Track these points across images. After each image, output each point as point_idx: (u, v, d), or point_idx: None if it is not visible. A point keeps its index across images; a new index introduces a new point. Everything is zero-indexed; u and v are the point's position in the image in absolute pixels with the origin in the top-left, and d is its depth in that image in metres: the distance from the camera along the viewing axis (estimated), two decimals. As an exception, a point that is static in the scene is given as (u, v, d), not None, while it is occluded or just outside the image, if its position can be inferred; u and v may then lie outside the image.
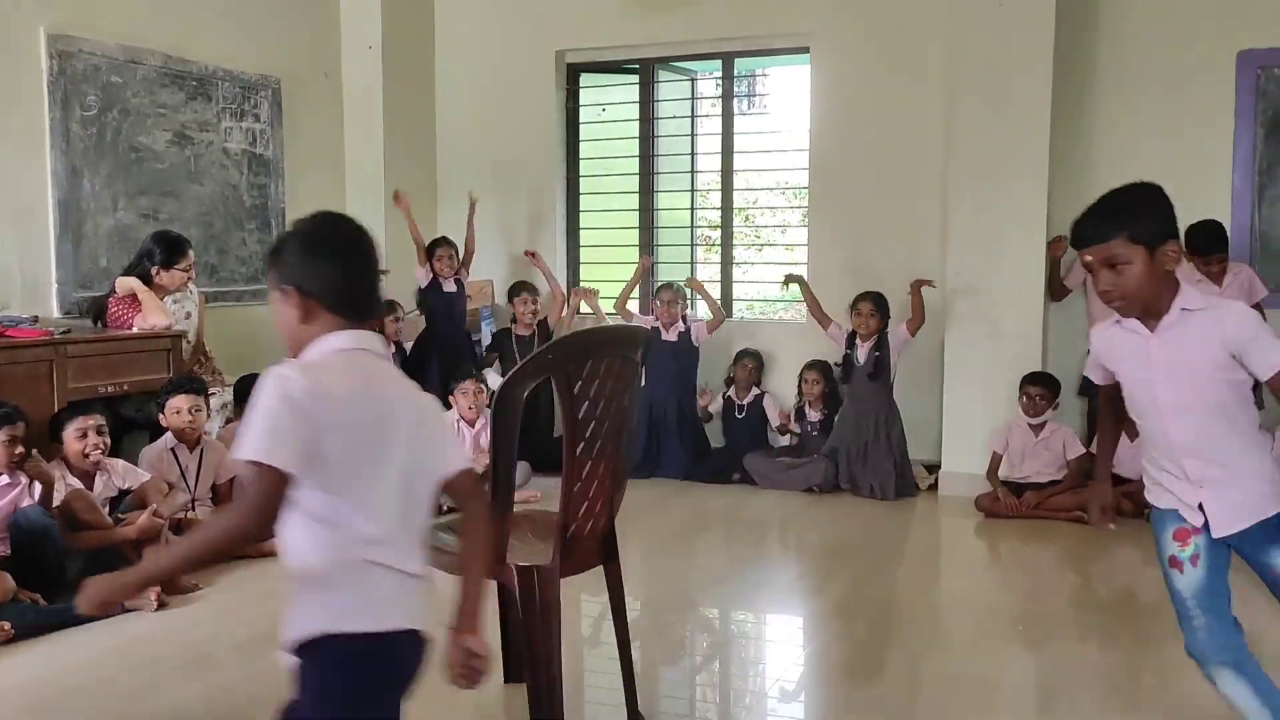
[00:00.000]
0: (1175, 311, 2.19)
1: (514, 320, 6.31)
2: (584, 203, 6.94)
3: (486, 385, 5.40)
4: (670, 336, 6.05)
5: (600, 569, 2.73)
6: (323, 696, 1.65)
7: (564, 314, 6.32)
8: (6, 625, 3.37)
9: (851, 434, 5.59)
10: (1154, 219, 2.20)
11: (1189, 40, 5.40)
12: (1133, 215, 2.19)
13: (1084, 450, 5.20)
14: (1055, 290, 5.58)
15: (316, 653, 1.64)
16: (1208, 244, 4.99)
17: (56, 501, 3.80)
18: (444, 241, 6.14)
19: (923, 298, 5.49)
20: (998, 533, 4.95)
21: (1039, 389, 5.16)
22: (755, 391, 6.11)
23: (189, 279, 4.84)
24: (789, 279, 5.88)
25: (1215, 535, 2.24)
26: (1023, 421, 5.20)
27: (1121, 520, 4.97)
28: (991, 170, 5.39)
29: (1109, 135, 5.56)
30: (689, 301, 6.34)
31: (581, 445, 2.49)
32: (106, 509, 4.05)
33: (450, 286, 6.12)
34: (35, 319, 4.44)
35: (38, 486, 3.79)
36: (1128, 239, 2.15)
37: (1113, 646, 3.51)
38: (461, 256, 6.20)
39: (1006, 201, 5.37)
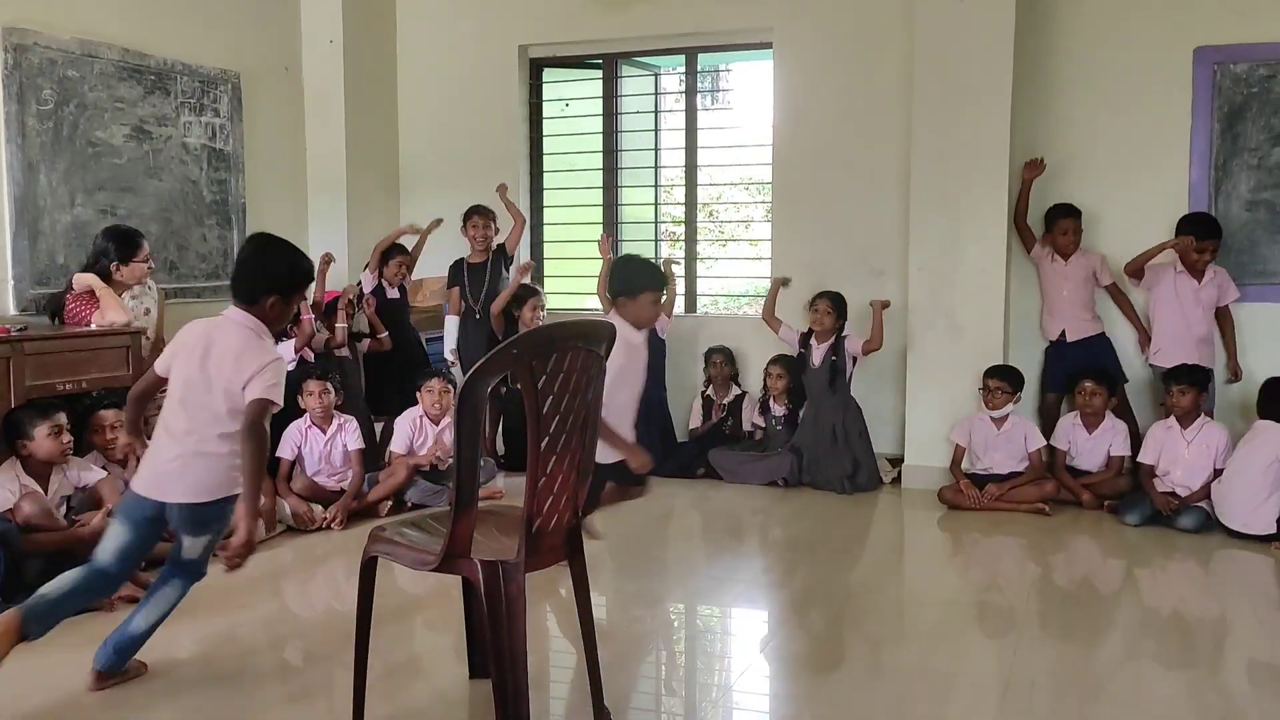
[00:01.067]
0: None
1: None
2: (548, 198, 6.93)
3: (454, 383, 5.37)
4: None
5: (565, 564, 2.74)
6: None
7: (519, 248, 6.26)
8: (-38, 628, 3.31)
9: (812, 432, 5.64)
10: None
11: (1147, 36, 5.50)
12: None
13: (1044, 442, 5.29)
14: (1019, 219, 5.62)
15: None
16: (1207, 228, 5.20)
17: (9, 505, 3.74)
18: (399, 249, 6.06)
19: (882, 320, 5.56)
20: (960, 525, 5.01)
21: (999, 381, 5.23)
22: (736, 391, 6.13)
23: (148, 272, 4.78)
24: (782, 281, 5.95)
25: None
26: (984, 414, 5.27)
27: (1080, 512, 5.11)
28: (952, 164, 5.45)
29: (1068, 129, 5.65)
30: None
31: (546, 440, 2.49)
32: (63, 508, 4.01)
33: (395, 293, 6.04)
34: (-10, 316, 4.37)
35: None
36: None
37: (1072, 638, 3.57)
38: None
39: (967, 195, 5.44)
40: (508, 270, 6.17)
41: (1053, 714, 2.94)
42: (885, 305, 5.58)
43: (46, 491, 3.92)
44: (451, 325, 6.21)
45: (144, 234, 4.83)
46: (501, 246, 6.16)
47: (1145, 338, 5.48)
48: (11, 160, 4.73)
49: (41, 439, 3.89)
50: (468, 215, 6.13)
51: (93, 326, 4.50)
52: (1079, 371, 5.32)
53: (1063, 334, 5.53)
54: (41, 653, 3.04)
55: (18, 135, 4.75)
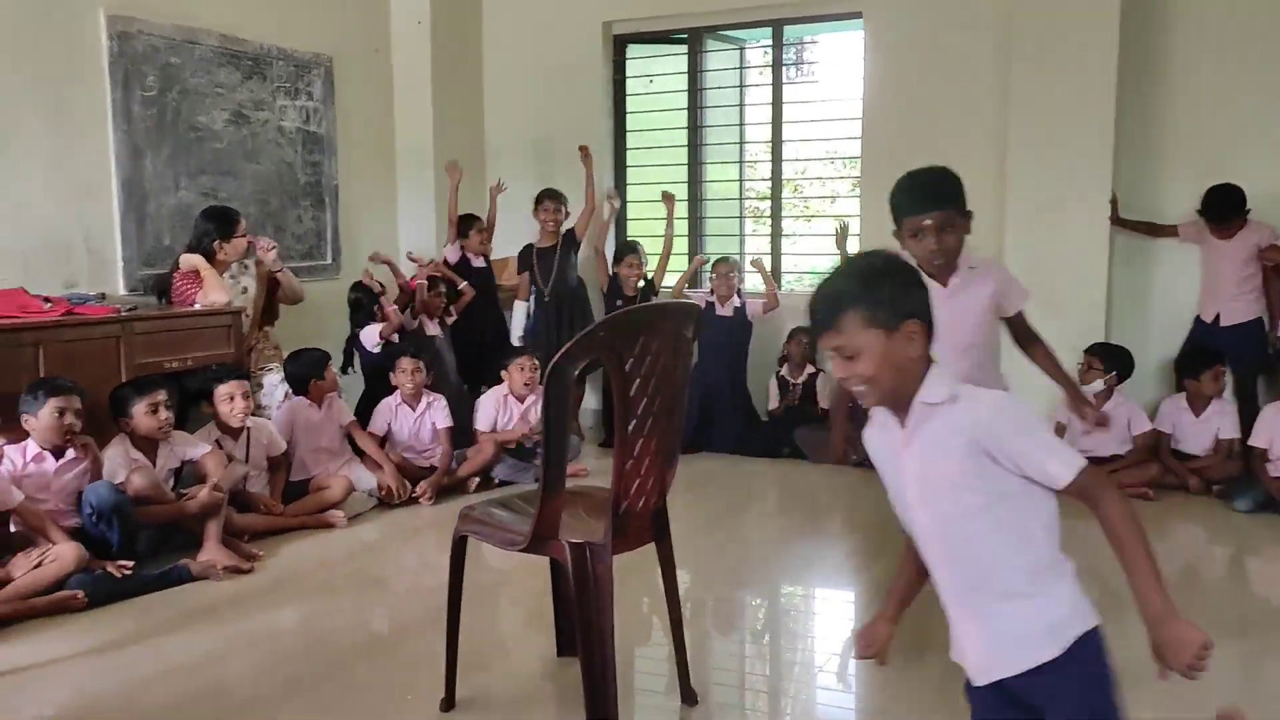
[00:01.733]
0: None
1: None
2: (631, 175, 6.92)
3: (540, 363, 5.43)
4: (725, 311, 6.04)
5: (652, 546, 2.75)
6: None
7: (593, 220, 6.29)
8: (80, 594, 3.49)
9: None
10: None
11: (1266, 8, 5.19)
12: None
13: (1150, 426, 5.12)
14: (1152, 231, 5.43)
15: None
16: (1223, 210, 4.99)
17: (121, 478, 3.92)
18: (476, 219, 6.12)
19: None
20: (1059, 507, 4.87)
21: (1090, 357, 5.08)
22: (810, 370, 6.08)
23: (248, 247, 4.92)
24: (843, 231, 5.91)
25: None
26: (1088, 393, 5.11)
27: (1187, 497, 4.93)
28: (1053, 136, 5.27)
29: (1181, 96, 5.37)
30: (742, 275, 6.31)
31: (633, 422, 2.50)
32: (170, 482, 4.18)
33: (480, 263, 6.11)
34: (102, 296, 4.56)
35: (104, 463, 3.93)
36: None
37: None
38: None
39: (1069, 167, 5.26)
40: (577, 254, 6.20)
41: (1157, 706, 2.85)
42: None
43: (155, 466, 4.09)
44: (520, 310, 6.24)
45: (240, 212, 4.98)
46: (571, 231, 6.19)
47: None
48: (118, 146, 4.90)
49: (140, 416, 4.05)
50: (539, 199, 6.18)
51: (197, 306, 4.66)
52: (1212, 354, 5.08)
53: (1217, 317, 5.25)
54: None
55: (124, 121, 4.92)
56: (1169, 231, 5.41)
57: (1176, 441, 5.12)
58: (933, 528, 1.78)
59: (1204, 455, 5.05)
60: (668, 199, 6.30)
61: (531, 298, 6.16)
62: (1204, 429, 5.05)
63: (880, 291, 1.70)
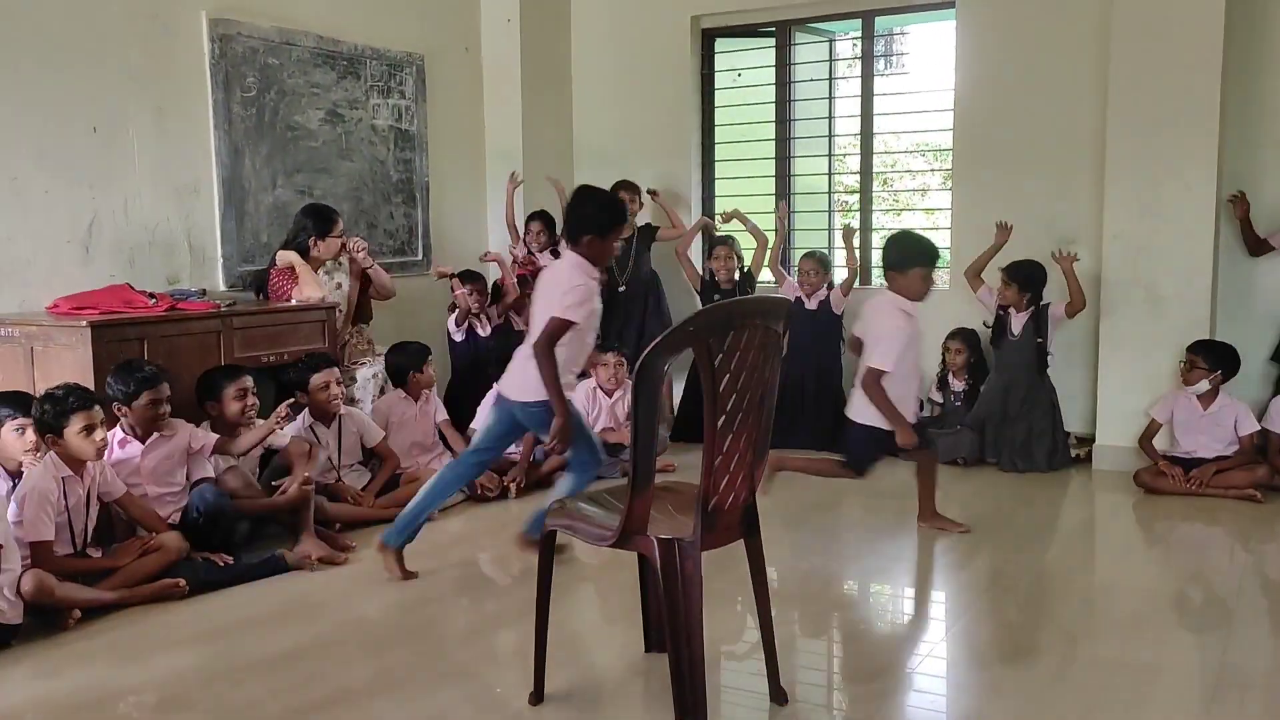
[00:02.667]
0: None
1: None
2: (719, 170, 6.88)
3: (627, 358, 5.44)
4: (811, 305, 5.96)
5: (741, 542, 2.72)
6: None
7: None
8: (182, 582, 3.61)
9: (999, 405, 5.41)
10: None
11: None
12: None
13: (1258, 427, 4.89)
14: (1252, 246, 5.22)
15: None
16: None
17: (213, 474, 4.03)
18: (537, 215, 6.15)
19: (1076, 275, 5.23)
20: (1159, 509, 4.70)
21: (1194, 355, 4.88)
22: None
23: (342, 248, 5.02)
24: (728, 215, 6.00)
25: None
26: (1189, 392, 4.91)
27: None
28: (1155, 122, 5.07)
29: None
30: (831, 271, 6.21)
31: (723, 418, 2.47)
32: (256, 473, 4.29)
33: (545, 260, 6.11)
34: (203, 292, 4.70)
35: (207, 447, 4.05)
36: None
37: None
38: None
39: (1171, 156, 5.05)
40: (649, 248, 6.21)
41: (1265, 717, 2.72)
42: (1074, 259, 5.25)
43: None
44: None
45: (338, 211, 5.10)
46: (648, 225, 6.20)
47: None
48: (220, 145, 5.05)
49: (229, 401, 4.17)
50: (613, 190, 6.17)
51: (293, 302, 4.78)
52: None
53: None
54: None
55: (224, 121, 5.07)
56: (1265, 247, 5.19)
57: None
58: None
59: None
60: (736, 216, 6.22)
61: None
62: None
63: None
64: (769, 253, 6.09)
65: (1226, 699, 2.83)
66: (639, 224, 6.25)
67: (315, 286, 4.83)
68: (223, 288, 5.06)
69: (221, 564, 3.74)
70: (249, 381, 4.24)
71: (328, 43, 5.57)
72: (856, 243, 6.27)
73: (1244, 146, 5.23)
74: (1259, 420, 4.92)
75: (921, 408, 5.79)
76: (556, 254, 6.14)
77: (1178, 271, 5.13)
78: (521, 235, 6.15)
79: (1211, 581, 3.92)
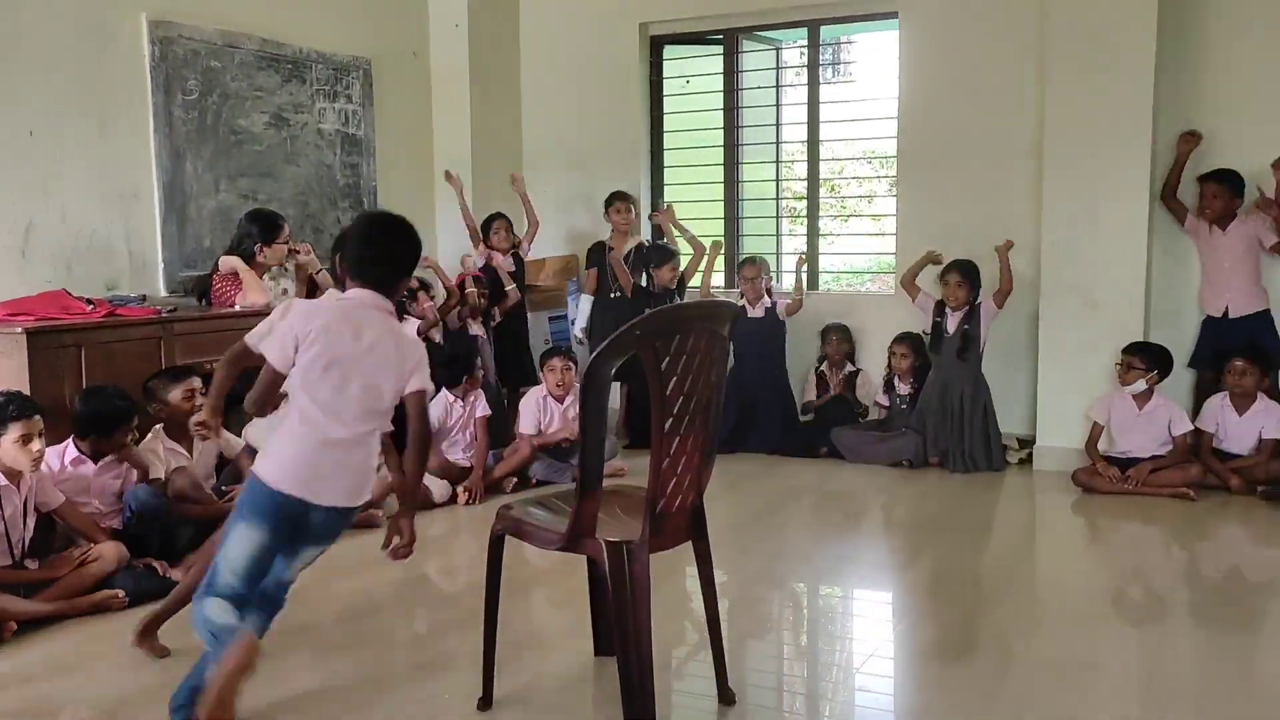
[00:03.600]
0: None
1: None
2: (668, 175, 6.92)
3: (575, 362, 5.44)
4: (756, 312, 6.01)
5: (689, 544, 2.74)
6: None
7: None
8: (121, 593, 3.54)
9: (938, 406, 5.51)
10: None
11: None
12: None
13: (1190, 426, 5.03)
14: (1172, 187, 5.33)
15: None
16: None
17: (160, 473, 3.96)
18: (498, 216, 6.12)
19: (1009, 262, 5.37)
20: (1097, 508, 4.81)
21: (1130, 357, 5.00)
22: (850, 368, 6.04)
23: (287, 253, 4.97)
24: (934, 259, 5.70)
25: None
26: (1126, 393, 5.04)
27: (1229, 498, 4.84)
28: (1089, 133, 5.20)
29: (1218, 92, 5.29)
30: (773, 276, 6.28)
31: (670, 421, 2.49)
32: (211, 480, 4.22)
33: (509, 263, 6.08)
34: (143, 298, 4.62)
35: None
36: None
37: (1222, 631, 3.39)
38: (526, 232, 6.22)
39: (1106, 164, 5.19)
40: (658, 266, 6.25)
41: (1199, 712, 2.80)
42: (1009, 246, 5.39)
43: (192, 455, 4.14)
44: (585, 304, 6.31)
45: (285, 217, 5.04)
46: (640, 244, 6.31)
47: None
48: (160, 149, 4.97)
49: (175, 401, 4.08)
50: (610, 200, 6.27)
51: (236, 307, 4.71)
52: (1231, 349, 5.02)
53: (1225, 310, 5.19)
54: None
55: (165, 125, 4.99)
56: (1177, 202, 5.33)
57: (1219, 441, 5.02)
58: None
59: (1247, 455, 4.96)
60: (667, 216, 6.29)
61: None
62: (1247, 428, 4.95)
63: None
64: (706, 262, 6.13)
65: (1161, 693, 2.91)
66: (641, 240, 6.34)
67: (260, 292, 4.77)
68: (164, 293, 4.98)
69: (162, 573, 3.67)
70: (197, 382, 4.13)
71: (272, 46, 5.51)
72: (804, 251, 6.36)
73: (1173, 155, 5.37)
74: (1192, 420, 5.06)
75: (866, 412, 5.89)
76: (518, 258, 6.15)
77: (1113, 276, 5.26)
78: (483, 239, 6.08)
79: (1148, 578, 4.02)
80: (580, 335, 6.26)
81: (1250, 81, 5.23)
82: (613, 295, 6.17)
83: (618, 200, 6.26)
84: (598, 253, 6.30)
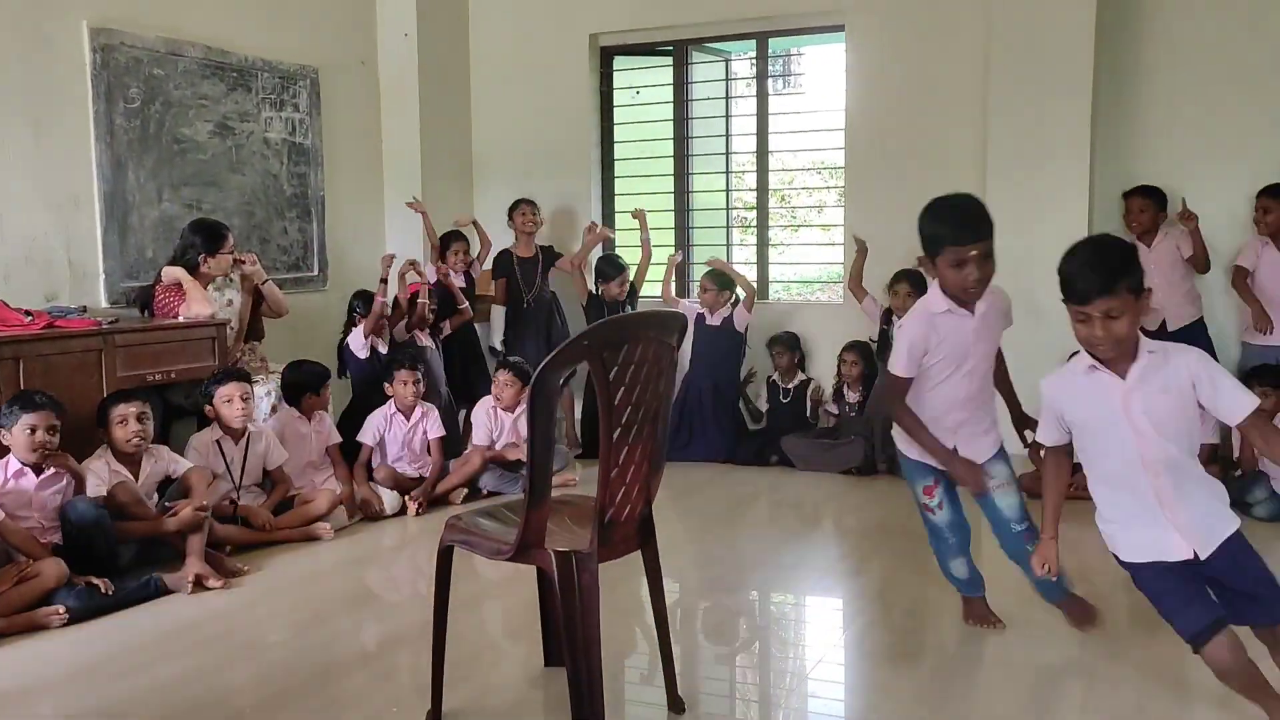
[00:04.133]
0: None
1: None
2: (619, 185, 6.94)
3: (523, 376, 5.42)
4: (714, 321, 6.05)
5: (638, 554, 2.75)
6: None
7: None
8: (61, 609, 3.46)
9: (883, 410, 5.56)
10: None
11: (1239, 9, 5.28)
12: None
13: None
14: (1204, 263, 5.41)
15: None
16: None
17: (96, 490, 3.88)
18: (458, 237, 6.12)
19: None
20: (1041, 512, 4.88)
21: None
22: (801, 377, 6.09)
23: (232, 264, 4.91)
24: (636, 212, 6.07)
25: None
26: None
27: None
28: (1031, 145, 5.32)
29: (1154, 107, 5.46)
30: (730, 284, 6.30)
31: (618, 430, 2.49)
32: (154, 499, 4.14)
33: (460, 281, 6.07)
34: (84, 309, 4.53)
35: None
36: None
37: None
38: (479, 252, 6.25)
39: (1047, 177, 5.31)
40: (549, 269, 6.28)
41: (1140, 710, 2.86)
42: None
43: (137, 479, 4.06)
44: (498, 316, 6.25)
45: (229, 227, 4.97)
46: (550, 247, 6.32)
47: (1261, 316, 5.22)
48: (101, 158, 4.89)
49: (111, 427, 4.01)
50: (515, 206, 6.28)
51: (180, 319, 4.64)
52: None
53: (1163, 323, 5.33)
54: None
55: (106, 133, 4.91)
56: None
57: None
58: (1156, 444, 2.39)
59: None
60: (638, 216, 6.32)
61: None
62: None
63: (1137, 266, 2.42)
64: (665, 271, 6.15)
65: (1103, 691, 2.97)
66: (540, 244, 6.29)
67: (204, 303, 4.70)
68: (105, 304, 4.89)
69: (104, 590, 3.60)
70: (132, 408, 4.03)
71: (216, 54, 5.45)
72: (754, 260, 6.41)
73: (1114, 170, 5.52)
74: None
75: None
76: (470, 277, 6.13)
77: (1055, 284, 5.34)
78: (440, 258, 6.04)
79: (1088, 580, 4.09)
80: (499, 347, 6.19)
81: (1186, 94, 5.39)
82: (526, 305, 6.15)
83: (524, 204, 6.24)
84: (505, 262, 6.23)
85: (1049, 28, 5.23)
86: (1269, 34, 5.26)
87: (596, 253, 6.52)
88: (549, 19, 6.71)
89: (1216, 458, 5.07)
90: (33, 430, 3.71)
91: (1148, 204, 5.30)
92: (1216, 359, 5.23)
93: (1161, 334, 5.32)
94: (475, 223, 6.31)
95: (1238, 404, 2.36)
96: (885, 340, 5.65)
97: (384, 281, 5.45)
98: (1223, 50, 5.33)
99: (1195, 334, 5.29)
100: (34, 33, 4.62)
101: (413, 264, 5.63)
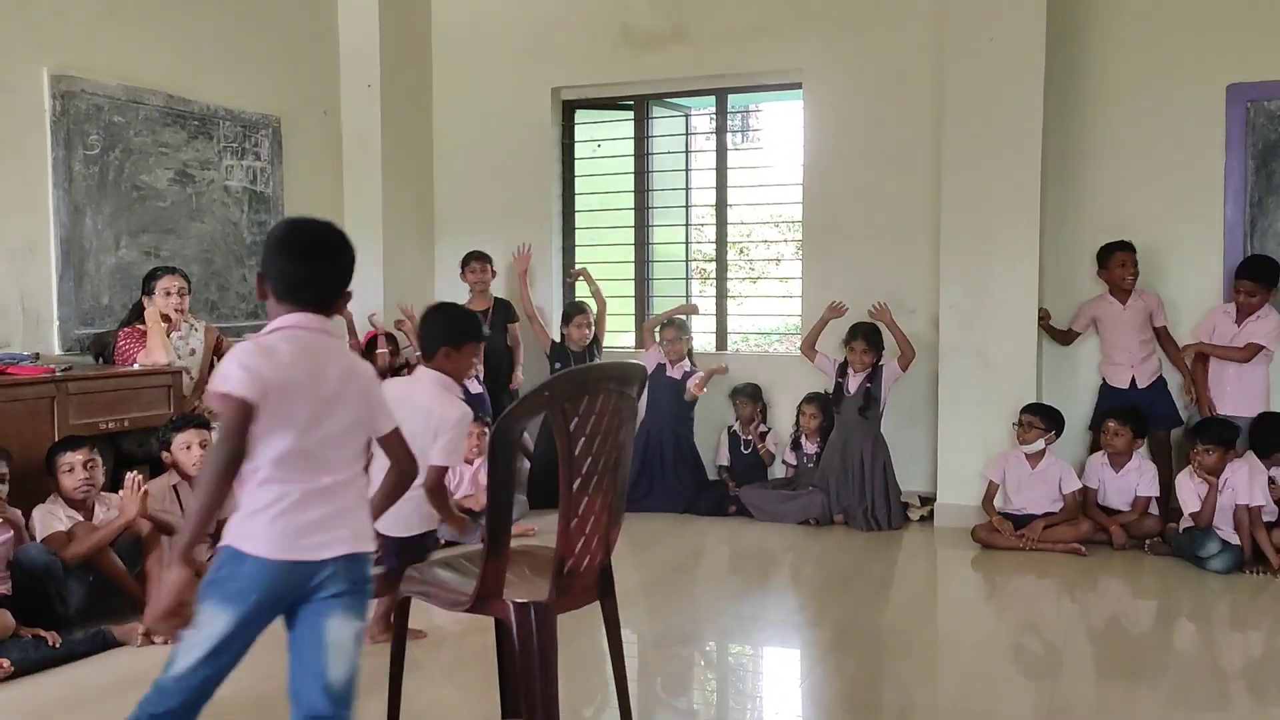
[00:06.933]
0: None
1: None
2: (579, 237, 7.00)
3: (487, 426, 5.42)
4: (674, 374, 6.10)
5: (597, 604, 2.75)
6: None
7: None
8: (5, 662, 3.38)
9: (840, 464, 5.63)
10: None
11: (1179, 74, 5.48)
12: None
13: (1079, 484, 5.24)
14: (1061, 339, 5.66)
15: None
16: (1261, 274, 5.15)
17: (42, 532, 3.81)
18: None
19: (898, 328, 5.56)
20: (994, 564, 4.96)
21: (1031, 417, 5.20)
22: (763, 428, 6.14)
23: (179, 306, 4.84)
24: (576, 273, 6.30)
25: None
26: (1019, 452, 5.23)
27: (1113, 552, 5.03)
28: (982, 202, 5.45)
29: (1100, 168, 5.64)
30: (692, 338, 6.36)
31: (578, 481, 2.51)
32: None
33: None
34: (36, 356, 4.48)
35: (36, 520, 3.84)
36: None
37: (1112, 681, 3.52)
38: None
39: (998, 233, 5.43)
40: (505, 322, 6.31)
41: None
42: (885, 309, 5.59)
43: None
44: None
45: (167, 269, 4.91)
46: (505, 300, 6.38)
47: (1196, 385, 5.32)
48: (58, 204, 4.86)
49: (58, 476, 3.94)
50: (466, 260, 6.31)
51: (137, 366, 4.60)
52: (1108, 411, 5.28)
53: (1132, 380, 5.41)
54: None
55: (64, 180, 4.88)
56: (1071, 337, 5.65)
57: (1102, 497, 5.25)
58: None
59: (1127, 510, 5.18)
60: (583, 275, 6.46)
61: None
62: (1124, 484, 5.19)
63: None
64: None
65: (1054, 741, 3.00)
66: (496, 296, 6.34)
67: (162, 351, 4.66)
68: (58, 351, 4.82)
69: (51, 644, 3.52)
70: (78, 455, 3.96)
71: (178, 102, 5.45)
72: (713, 312, 6.49)
73: (1061, 227, 5.67)
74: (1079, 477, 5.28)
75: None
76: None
77: (1006, 340, 5.48)
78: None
79: (1042, 631, 4.15)
80: None
81: (1132, 155, 5.57)
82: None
83: (474, 260, 6.30)
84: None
85: (1000, 87, 5.40)
86: (1198, 91, 5.45)
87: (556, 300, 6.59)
88: (512, 72, 6.81)
89: (1164, 510, 5.18)
90: None
91: (1130, 257, 5.37)
92: (1180, 417, 5.41)
93: (1132, 391, 5.43)
94: (586, 273, 6.41)
95: None
96: (840, 392, 5.73)
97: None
98: (1169, 103, 5.51)
99: (1158, 391, 5.43)
100: (-7, 79, 4.61)
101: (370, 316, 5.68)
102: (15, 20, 4.67)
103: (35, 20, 4.76)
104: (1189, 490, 4.84)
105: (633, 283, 6.80)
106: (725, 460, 6.18)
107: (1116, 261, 5.42)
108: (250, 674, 3.49)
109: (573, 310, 6.28)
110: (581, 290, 6.65)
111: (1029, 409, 5.25)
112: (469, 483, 5.34)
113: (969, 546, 5.20)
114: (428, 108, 6.99)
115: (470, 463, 5.36)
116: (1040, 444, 5.17)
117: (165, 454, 4.40)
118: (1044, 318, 5.57)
